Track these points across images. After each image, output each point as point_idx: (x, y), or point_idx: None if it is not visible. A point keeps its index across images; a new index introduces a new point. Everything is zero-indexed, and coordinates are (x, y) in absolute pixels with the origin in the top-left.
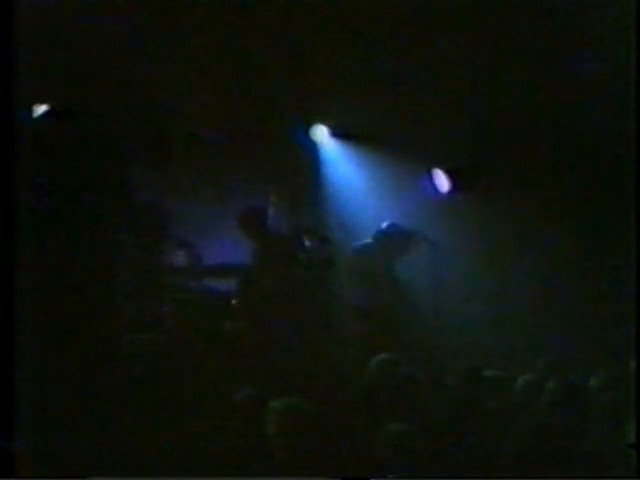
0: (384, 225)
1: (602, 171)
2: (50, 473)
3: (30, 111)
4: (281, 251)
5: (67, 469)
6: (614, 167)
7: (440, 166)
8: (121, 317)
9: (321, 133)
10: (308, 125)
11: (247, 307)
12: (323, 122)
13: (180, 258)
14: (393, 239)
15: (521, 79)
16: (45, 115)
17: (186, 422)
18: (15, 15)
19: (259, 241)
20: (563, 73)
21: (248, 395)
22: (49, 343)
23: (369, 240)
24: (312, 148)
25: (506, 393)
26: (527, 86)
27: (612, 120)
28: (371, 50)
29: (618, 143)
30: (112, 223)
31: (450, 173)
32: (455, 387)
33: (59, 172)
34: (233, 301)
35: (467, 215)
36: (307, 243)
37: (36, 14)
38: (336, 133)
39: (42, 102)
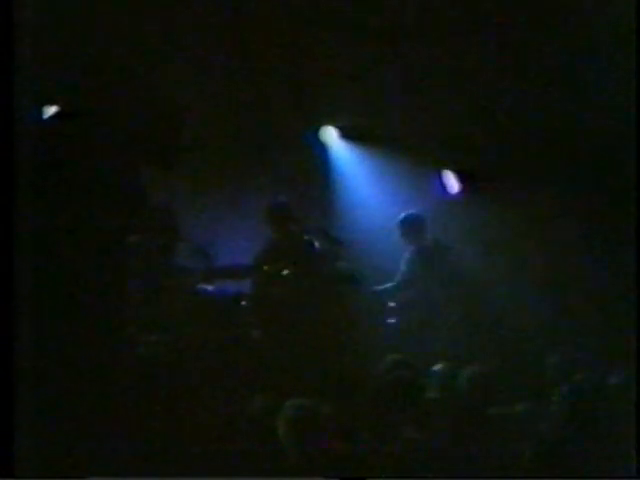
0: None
1: (611, 172)
2: (50, 473)
3: (40, 112)
4: (291, 252)
5: (67, 469)
6: (624, 167)
7: (450, 167)
8: (132, 319)
9: (330, 134)
10: (317, 126)
11: (259, 308)
12: (332, 123)
13: (192, 260)
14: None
15: (532, 82)
16: (55, 116)
17: (196, 422)
18: (23, 15)
19: (280, 236)
20: (573, 75)
21: (259, 396)
22: (55, 343)
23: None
24: (321, 149)
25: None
26: (538, 88)
27: (618, 121)
28: (381, 51)
29: (625, 144)
30: (124, 225)
31: (460, 174)
32: (463, 390)
33: (70, 174)
34: (243, 302)
35: (477, 216)
36: (316, 244)
37: (45, 13)
38: (345, 134)
39: (52, 103)
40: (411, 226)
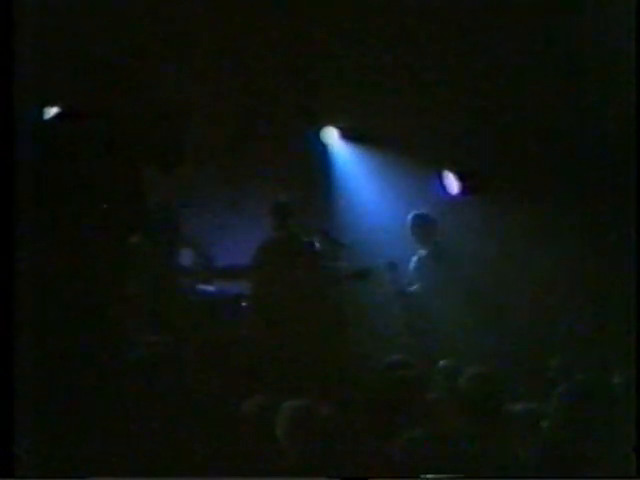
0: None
1: (611, 171)
2: (50, 473)
3: (40, 112)
4: (291, 252)
5: (67, 469)
6: (624, 167)
7: (450, 168)
8: (132, 319)
9: (331, 135)
10: (318, 127)
11: (259, 308)
12: (333, 124)
13: (192, 260)
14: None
15: (533, 81)
16: (55, 116)
17: (195, 422)
18: (23, 15)
19: (280, 237)
20: (573, 75)
21: (258, 397)
22: (54, 343)
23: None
24: (322, 150)
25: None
26: (538, 88)
27: (618, 121)
28: (382, 52)
29: (625, 143)
30: (124, 225)
31: (460, 175)
32: (467, 391)
33: (70, 174)
34: (243, 302)
35: (476, 217)
36: (317, 245)
37: (46, 13)
38: (346, 135)
39: (52, 104)
40: (423, 225)
